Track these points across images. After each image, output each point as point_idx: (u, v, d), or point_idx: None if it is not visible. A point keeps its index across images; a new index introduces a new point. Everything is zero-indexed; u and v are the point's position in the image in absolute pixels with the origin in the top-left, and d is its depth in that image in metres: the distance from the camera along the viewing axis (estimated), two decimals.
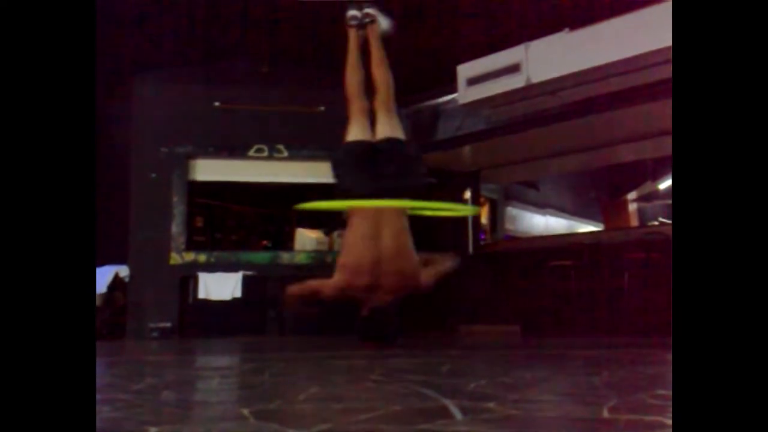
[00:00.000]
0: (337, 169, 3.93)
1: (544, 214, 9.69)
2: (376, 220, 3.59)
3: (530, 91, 5.08)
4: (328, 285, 3.62)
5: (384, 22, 4.21)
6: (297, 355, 3.31)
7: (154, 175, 5.96)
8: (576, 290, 5.52)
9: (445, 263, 3.89)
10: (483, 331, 5.80)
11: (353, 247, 3.62)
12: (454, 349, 3.74)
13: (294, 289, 3.82)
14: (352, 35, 4.14)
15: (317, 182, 6.44)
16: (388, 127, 3.93)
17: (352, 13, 4.17)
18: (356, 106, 4.01)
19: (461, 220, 6.81)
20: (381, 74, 4.04)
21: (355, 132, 3.93)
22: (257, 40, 5.79)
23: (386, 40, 4.16)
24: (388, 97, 4.02)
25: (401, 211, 3.67)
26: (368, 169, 3.77)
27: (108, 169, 5.23)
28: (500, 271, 6.26)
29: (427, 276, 3.67)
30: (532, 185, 9.23)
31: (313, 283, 3.77)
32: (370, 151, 3.86)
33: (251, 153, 6.15)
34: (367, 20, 4.15)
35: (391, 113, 4.01)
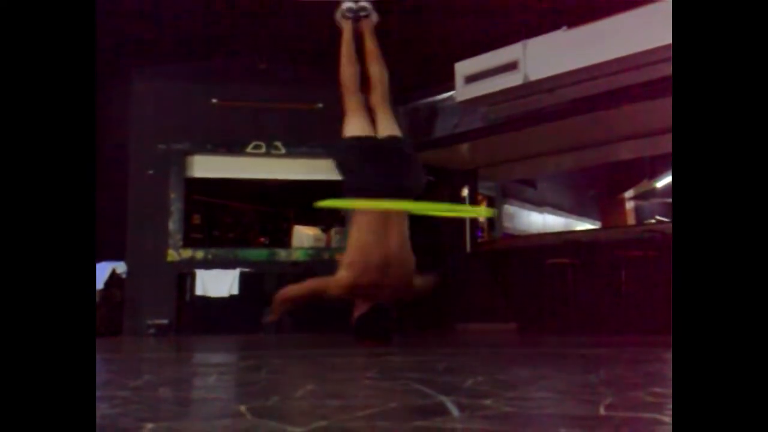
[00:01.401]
0: (343, 166, 3.78)
1: (541, 212, 9.71)
2: (385, 218, 3.51)
3: (528, 88, 5.08)
4: (333, 283, 3.50)
5: (374, 16, 4.16)
6: (294, 353, 3.31)
7: (151, 171, 5.95)
8: (573, 288, 5.53)
9: (428, 282, 3.77)
10: (480, 329, 5.81)
11: (362, 246, 3.54)
12: (451, 346, 3.74)
13: (292, 290, 3.66)
14: (347, 27, 4.07)
15: (315, 179, 6.45)
16: (390, 124, 3.86)
17: (348, 5, 4.12)
18: (353, 99, 3.90)
19: (459, 219, 6.81)
20: (377, 70, 3.96)
21: (356, 127, 3.82)
22: (255, 37, 5.78)
23: (383, 35, 4.12)
24: (385, 92, 3.97)
25: (406, 211, 3.61)
26: (377, 167, 3.71)
27: (105, 166, 5.22)
28: (498, 270, 6.27)
29: (417, 284, 3.60)
30: (530, 183, 9.24)
31: (314, 283, 3.66)
32: (375, 147, 3.80)
33: (249, 150, 6.14)
34: (363, 14, 4.10)
35: (389, 109, 3.96)
